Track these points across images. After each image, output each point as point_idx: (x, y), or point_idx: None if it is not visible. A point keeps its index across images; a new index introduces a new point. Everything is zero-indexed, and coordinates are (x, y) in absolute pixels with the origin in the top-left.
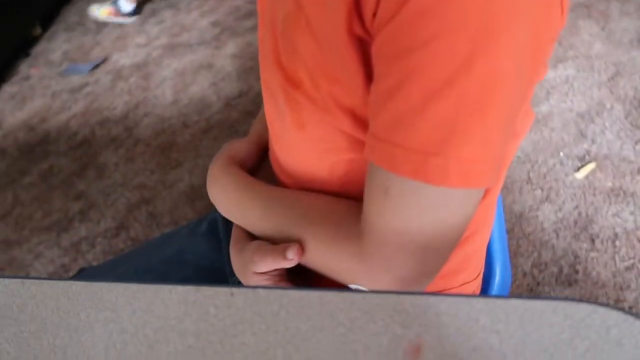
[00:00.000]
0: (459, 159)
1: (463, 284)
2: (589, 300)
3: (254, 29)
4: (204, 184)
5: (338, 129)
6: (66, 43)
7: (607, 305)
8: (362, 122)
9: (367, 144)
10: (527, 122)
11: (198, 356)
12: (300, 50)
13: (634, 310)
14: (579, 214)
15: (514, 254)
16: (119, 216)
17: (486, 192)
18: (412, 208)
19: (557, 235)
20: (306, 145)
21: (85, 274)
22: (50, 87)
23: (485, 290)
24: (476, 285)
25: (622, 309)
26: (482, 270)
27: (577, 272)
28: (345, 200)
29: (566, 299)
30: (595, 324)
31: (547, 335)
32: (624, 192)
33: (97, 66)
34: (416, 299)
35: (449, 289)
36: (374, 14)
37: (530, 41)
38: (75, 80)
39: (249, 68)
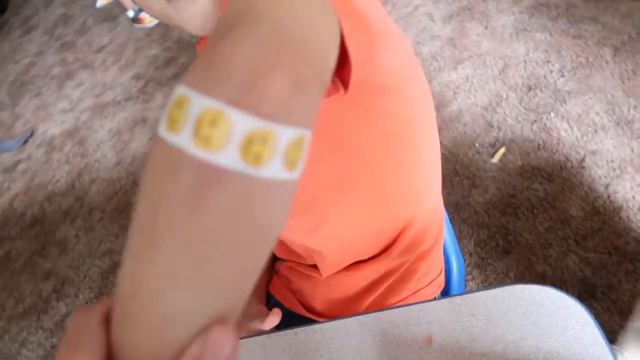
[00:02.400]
0: None
1: (430, 282)
2: (527, 282)
3: (177, 76)
4: None
5: None
6: None
7: (540, 284)
8: None
9: None
10: None
11: None
12: None
13: (559, 264)
14: (501, 193)
15: (458, 239)
16: (96, 285)
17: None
18: None
19: (489, 215)
20: None
21: None
22: None
23: (447, 278)
24: (441, 279)
25: (549, 285)
26: (443, 266)
27: (510, 242)
28: None
29: (512, 283)
30: (535, 300)
31: (507, 313)
32: (532, 168)
33: (25, 141)
34: (421, 305)
35: (421, 288)
36: None
37: None
38: (6, 159)
39: None
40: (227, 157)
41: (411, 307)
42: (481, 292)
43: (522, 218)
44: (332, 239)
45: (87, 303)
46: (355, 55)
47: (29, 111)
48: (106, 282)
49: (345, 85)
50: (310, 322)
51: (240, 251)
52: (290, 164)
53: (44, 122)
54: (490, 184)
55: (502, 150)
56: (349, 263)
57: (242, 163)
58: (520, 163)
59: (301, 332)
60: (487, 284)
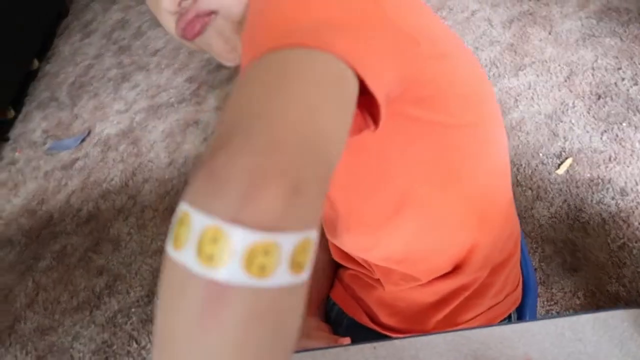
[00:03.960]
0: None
1: (506, 297)
2: (626, 306)
3: (230, 79)
4: None
5: None
6: (43, 121)
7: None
8: None
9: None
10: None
11: None
12: None
13: (635, 285)
14: (568, 206)
15: None
16: (147, 283)
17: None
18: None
19: (554, 230)
20: None
21: None
22: (40, 168)
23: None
24: (517, 294)
25: None
26: (521, 279)
27: (578, 259)
28: None
29: (616, 307)
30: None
31: (622, 340)
32: (602, 180)
33: (83, 140)
34: (515, 326)
35: (496, 304)
36: None
37: None
38: (64, 156)
39: None
40: (231, 272)
41: (504, 327)
42: (588, 315)
43: (592, 234)
44: (390, 259)
45: (138, 301)
46: (382, 93)
47: (86, 111)
48: (156, 281)
49: (376, 121)
50: (380, 335)
51: None
52: (297, 268)
53: (100, 122)
54: (555, 197)
55: (569, 161)
56: (417, 283)
57: (247, 276)
58: (589, 175)
59: (380, 347)
60: (553, 303)
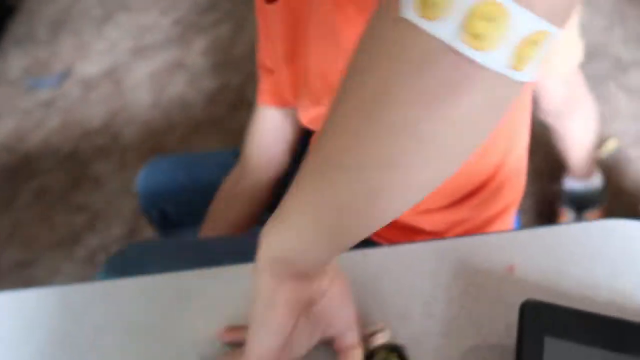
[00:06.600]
0: None
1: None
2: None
3: (217, 23)
4: None
5: None
6: (21, 58)
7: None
8: None
9: None
10: None
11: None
12: None
13: None
14: (548, 160)
15: None
16: (128, 221)
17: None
18: None
19: (535, 183)
20: None
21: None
22: (18, 106)
23: None
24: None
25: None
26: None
27: (554, 209)
28: None
29: (608, 218)
30: (635, 236)
31: (601, 248)
32: None
33: (63, 79)
34: (501, 235)
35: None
36: None
37: None
38: (43, 95)
39: (223, 62)
40: (496, 59)
41: (491, 236)
42: (570, 226)
43: None
44: None
45: (118, 239)
46: None
47: (67, 50)
48: (138, 219)
49: None
50: (370, 242)
51: (463, 154)
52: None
53: (82, 62)
54: (535, 151)
55: (613, 143)
56: (418, 210)
57: (507, 67)
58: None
59: (371, 254)
60: None
